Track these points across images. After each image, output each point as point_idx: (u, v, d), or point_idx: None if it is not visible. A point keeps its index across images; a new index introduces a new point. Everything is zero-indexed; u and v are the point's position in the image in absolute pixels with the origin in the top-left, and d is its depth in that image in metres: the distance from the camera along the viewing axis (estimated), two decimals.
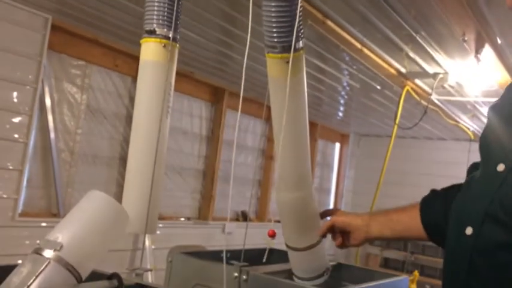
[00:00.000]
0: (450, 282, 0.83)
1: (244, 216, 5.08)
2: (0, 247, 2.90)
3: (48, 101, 3.33)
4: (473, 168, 1.07)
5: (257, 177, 5.50)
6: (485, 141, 0.96)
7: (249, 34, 1.29)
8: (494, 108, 0.98)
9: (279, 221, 1.48)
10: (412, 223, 1.20)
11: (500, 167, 0.84)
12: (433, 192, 1.22)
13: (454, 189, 1.13)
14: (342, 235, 1.34)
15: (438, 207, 1.15)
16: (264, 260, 1.73)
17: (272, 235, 1.22)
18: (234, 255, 1.75)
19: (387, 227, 1.26)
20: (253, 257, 1.67)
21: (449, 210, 1.08)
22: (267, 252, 1.80)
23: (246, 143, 5.28)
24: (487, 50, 2.75)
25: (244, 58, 1.28)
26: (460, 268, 0.81)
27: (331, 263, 1.65)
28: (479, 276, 0.78)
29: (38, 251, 1.07)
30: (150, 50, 1.46)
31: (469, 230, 0.81)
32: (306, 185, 1.44)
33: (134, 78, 3.76)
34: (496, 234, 0.78)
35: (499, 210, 0.78)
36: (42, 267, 1.04)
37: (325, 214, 1.46)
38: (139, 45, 1.50)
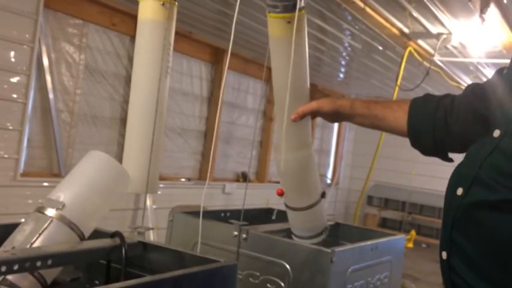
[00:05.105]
0: (441, 236, 0.90)
1: (244, 177, 5.13)
2: (2, 206, 2.95)
3: (45, 61, 3.29)
4: (498, 73, 0.98)
5: (257, 139, 5.51)
6: (490, 104, 0.93)
7: None
8: (500, 72, 0.95)
9: (277, 182, 1.49)
10: (397, 124, 1.16)
11: (496, 133, 0.85)
12: (426, 98, 1.14)
13: (447, 99, 1.09)
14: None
15: (427, 114, 1.09)
16: (274, 217, 1.76)
17: (281, 194, 1.23)
18: (233, 214, 1.78)
19: (370, 121, 1.24)
20: (253, 216, 1.69)
21: (439, 124, 1.06)
22: (275, 212, 1.83)
23: (246, 105, 5.25)
24: (492, 10, 2.69)
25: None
26: (448, 223, 0.87)
27: (330, 223, 1.68)
28: (460, 231, 0.85)
29: (40, 210, 1.08)
30: (148, 8, 1.43)
31: (459, 191, 0.86)
32: (306, 146, 1.44)
33: (133, 38, 3.70)
34: (478, 195, 0.83)
35: (484, 174, 0.82)
36: (45, 226, 1.06)
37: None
38: (136, 3, 1.47)
